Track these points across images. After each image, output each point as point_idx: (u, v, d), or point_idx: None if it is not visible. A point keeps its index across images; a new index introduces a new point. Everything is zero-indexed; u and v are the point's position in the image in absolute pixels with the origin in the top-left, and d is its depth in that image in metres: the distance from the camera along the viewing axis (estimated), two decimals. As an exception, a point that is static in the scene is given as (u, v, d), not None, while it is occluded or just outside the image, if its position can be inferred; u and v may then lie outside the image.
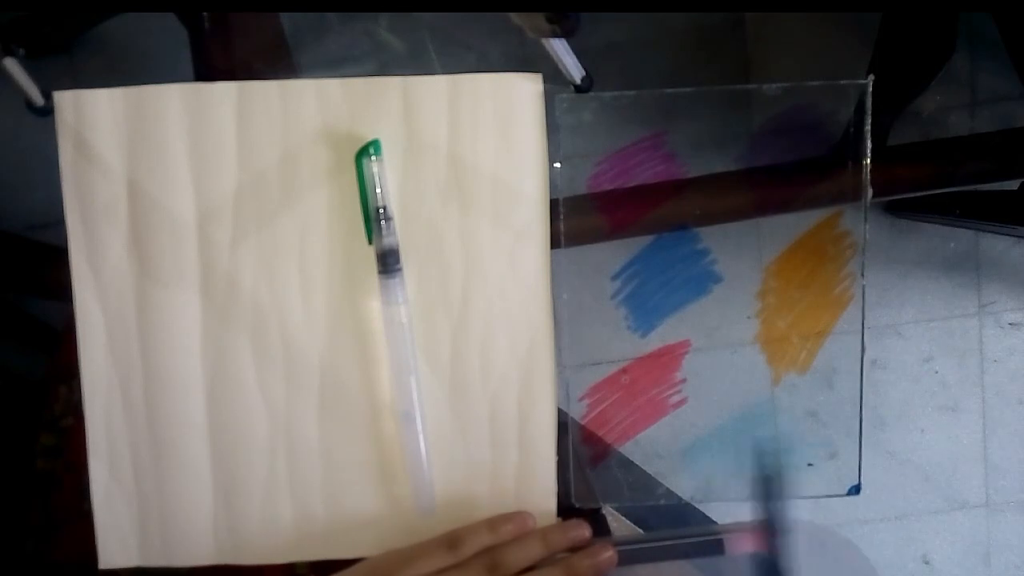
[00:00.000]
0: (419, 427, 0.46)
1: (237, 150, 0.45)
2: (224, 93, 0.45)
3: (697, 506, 0.52)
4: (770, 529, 0.44)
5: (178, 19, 0.53)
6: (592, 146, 0.53)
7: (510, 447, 0.47)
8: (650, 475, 0.52)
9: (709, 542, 0.45)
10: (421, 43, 0.59)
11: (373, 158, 0.44)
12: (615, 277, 0.57)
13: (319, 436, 0.47)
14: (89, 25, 0.53)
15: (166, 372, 0.46)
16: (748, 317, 0.55)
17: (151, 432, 0.47)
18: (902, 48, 0.71)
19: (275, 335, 0.46)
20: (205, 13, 0.50)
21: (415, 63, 0.58)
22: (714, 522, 0.50)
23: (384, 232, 0.44)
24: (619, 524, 0.49)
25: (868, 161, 0.47)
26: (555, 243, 0.47)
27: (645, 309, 0.56)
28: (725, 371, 0.55)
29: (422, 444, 0.46)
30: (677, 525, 0.50)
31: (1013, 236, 1.00)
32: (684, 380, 0.56)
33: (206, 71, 0.50)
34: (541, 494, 0.47)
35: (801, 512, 0.50)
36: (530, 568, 0.43)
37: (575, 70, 0.45)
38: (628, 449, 0.54)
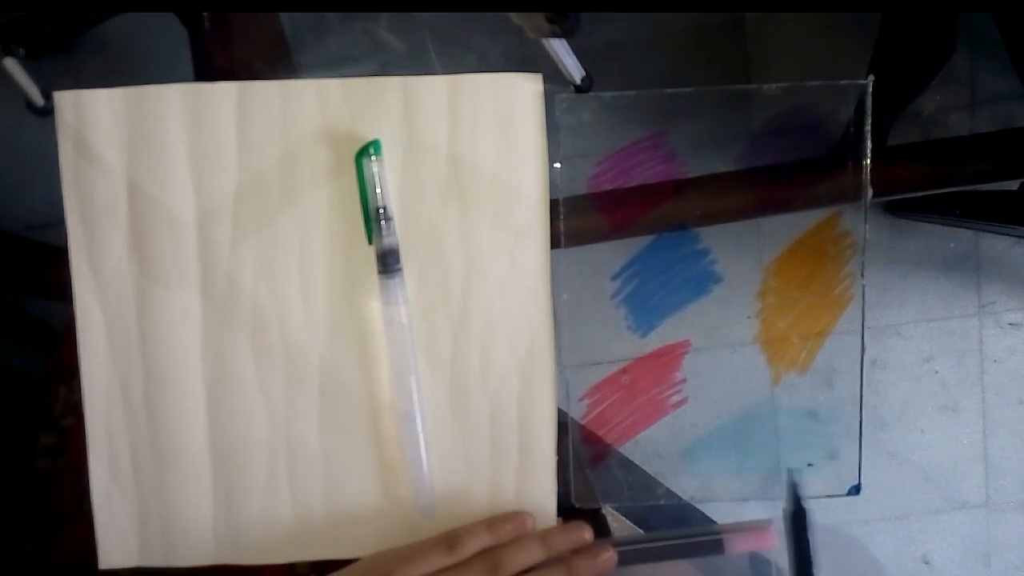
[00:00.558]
0: (419, 427, 0.46)
1: (237, 150, 0.45)
2: (224, 93, 0.45)
3: (697, 506, 0.52)
4: (799, 565, 0.44)
5: (178, 19, 0.53)
6: (592, 146, 0.53)
7: (510, 447, 0.47)
8: (650, 475, 0.52)
9: (709, 542, 0.45)
10: (421, 43, 0.59)
11: (373, 158, 0.44)
12: (615, 277, 0.57)
13: (319, 436, 0.47)
14: (89, 25, 0.53)
15: (166, 372, 0.46)
16: (748, 317, 0.55)
17: (151, 432, 0.47)
18: (902, 48, 0.71)
19: (275, 335, 0.46)
20: (205, 13, 0.50)
21: (415, 63, 0.58)
22: (714, 522, 0.50)
23: (384, 232, 0.44)
24: (619, 524, 0.49)
25: (868, 161, 0.47)
26: (555, 243, 0.47)
27: (645, 309, 0.56)
28: (725, 371, 0.55)
29: (422, 444, 0.46)
30: (677, 525, 0.50)
31: (1013, 236, 1.00)
32: (684, 380, 0.56)
33: (206, 71, 0.50)
34: (541, 494, 0.47)
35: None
36: (530, 569, 0.43)
37: (575, 70, 0.45)
38: (628, 449, 0.54)
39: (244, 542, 0.47)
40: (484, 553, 0.43)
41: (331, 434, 0.47)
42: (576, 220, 0.48)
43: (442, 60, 0.57)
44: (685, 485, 0.52)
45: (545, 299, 0.47)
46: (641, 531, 0.49)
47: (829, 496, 0.49)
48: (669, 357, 0.56)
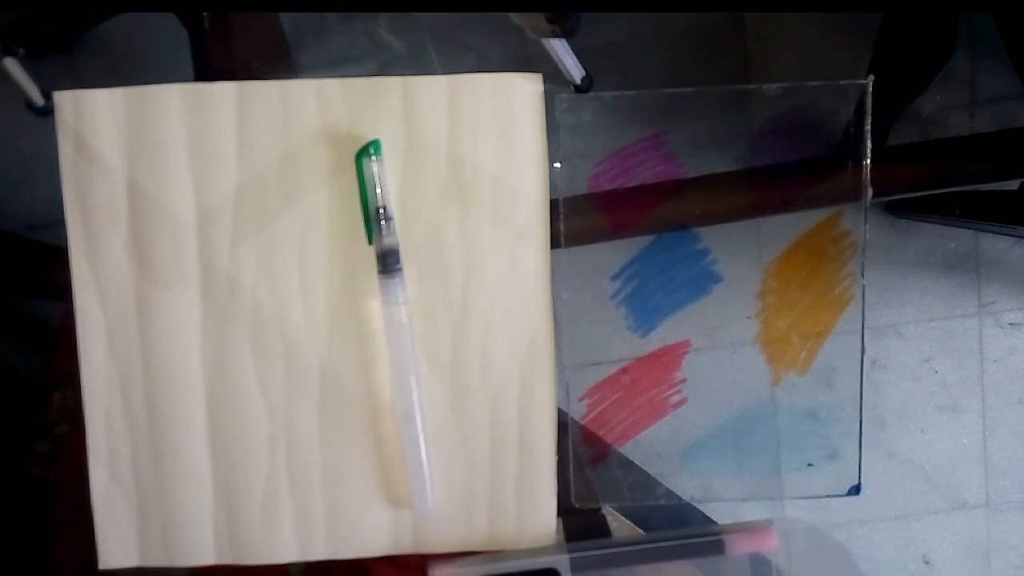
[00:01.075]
0: (419, 427, 0.46)
1: (237, 150, 0.45)
2: (224, 93, 0.45)
3: (697, 506, 0.52)
4: None
5: (178, 19, 0.53)
6: (592, 146, 0.53)
7: (510, 447, 0.47)
8: (650, 475, 0.52)
9: (709, 542, 0.45)
10: (421, 43, 0.59)
11: (373, 158, 0.44)
12: (615, 277, 0.57)
13: (319, 436, 0.47)
14: (89, 25, 0.53)
15: (166, 372, 0.46)
16: (748, 317, 0.55)
17: (151, 432, 0.47)
18: (902, 48, 0.71)
19: (275, 335, 0.46)
20: (205, 13, 0.50)
21: (415, 63, 0.58)
22: (714, 522, 0.50)
23: (384, 232, 0.44)
24: (619, 524, 0.49)
25: (868, 161, 0.47)
26: (555, 243, 0.47)
27: (645, 309, 0.56)
28: (725, 371, 0.55)
29: (422, 444, 0.46)
30: (677, 525, 0.50)
31: (1013, 236, 1.00)
32: (684, 380, 0.56)
33: (206, 71, 0.50)
34: (541, 494, 0.47)
35: (800, 512, 0.50)
36: None
37: (575, 70, 0.45)
38: (628, 449, 0.54)
39: (244, 543, 0.47)
40: None
41: (331, 434, 0.47)
42: (576, 220, 0.48)
43: (442, 60, 0.57)
44: (685, 485, 0.53)
45: (545, 299, 0.47)
46: (641, 531, 0.49)
47: (829, 496, 0.49)
48: (669, 357, 0.56)
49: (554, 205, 0.47)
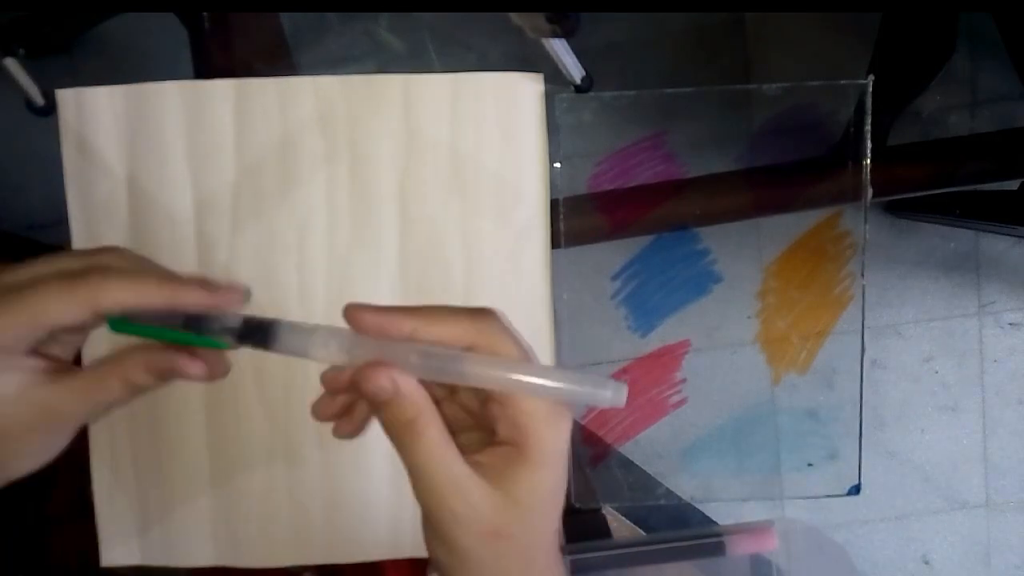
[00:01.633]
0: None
1: (235, 147, 0.45)
2: (222, 90, 0.45)
3: (697, 506, 0.52)
4: None
5: (178, 19, 0.53)
6: (592, 146, 0.53)
7: (510, 447, 0.47)
8: (650, 475, 0.52)
9: (710, 544, 0.45)
10: (421, 43, 0.59)
11: None
12: (615, 277, 0.57)
13: (317, 435, 0.47)
14: (89, 25, 0.53)
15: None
16: (748, 317, 0.55)
17: (152, 432, 0.46)
18: (902, 48, 0.71)
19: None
20: (205, 13, 0.50)
21: (415, 63, 0.58)
22: (714, 523, 0.50)
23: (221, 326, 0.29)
24: (619, 524, 0.49)
25: (868, 161, 0.47)
26: (555, 243, 0.47)
27: (645, 309, 0.56)
28: (725, 371, 0.55)
29: None
30: (677, 525, 0.50)
31: (1013, 236, 1.00)
32: (684, 380, 0.56)
33: (206, 71, 0.50)
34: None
35: (800, 513, 0.50)
36: None
37: (575, 70, 0.45)
38: (628, 449, 0.54)
39: (243, 544, 0.47)
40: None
41: (328, 434, 0.47)
42: (576, 220, 0.48)
43: (442, 60, 0.57)
44: (685, 485, 0.52)
45: (545, 298, 0.47)
46: (641, 531, 0.49)
47: (829, 496, 0.49)
48: (669, 357, 0.56)
49: (554, 205, 0.47)
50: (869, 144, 0.47)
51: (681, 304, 0.56)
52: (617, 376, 0.55)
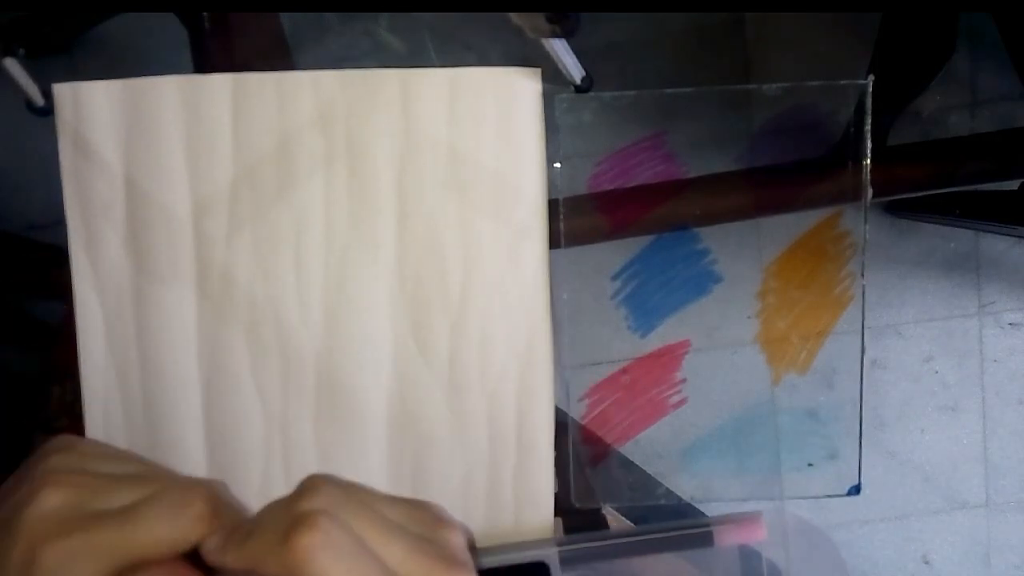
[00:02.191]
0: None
1: (233, 143, 0.45)
2: (220, 85, 0.45)
3: (697, 506, 0.52)
4: None
5: (178, 19, 0.53)
6: (592, 146, 0.53)
7: (508, 445, 0.47)
8: (650, 475, 0.52)
9: (698, 534, 0.45)
10: (421, 43, 0.59)
11: None
12: (615, 277, 0.57)
13: (314, 433, 0.47)
14: (89, 25, 0.53)
15: (163, 367, 0.46)
16: (748, 317, 0.55)
17: (149, 428, 0.46)
18: (902, 48, 0.71)
19: (270, 331, 0.46)
20: (205, 13, 0.50)
21: (415, 63, 0.58)
22: (704, 514, 0.50)
23: None
24: (619, 524, 0.49)
25: (868, 161, 0.47)
26: (555, 243, 0.47)
27: (645, 309, 0.56)
28: (725, 371, 0.55)
29: None
30: (670, 520, 0.50)
31: (1013, 236, 1.00)
32: (684, 380, 0.56)
33: (206, 71, 0.49)
34: (538, 492, 0.47)
35: (800, 512, 0.50)
36: None
37: (575, 70, 0.45)
38: (628, 449, 0.54)
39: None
40: None
41: (326, 431, 0.47)
42: (576, 220, 0.48)
43: (442, 60, 0.57)
44: (685, 485, 0.52)
45: (544, 297, 0.47)
46: (632, 525, 0.49)
47: (829, 496, 0.49)
48: (669, 357, 0.56)
49: (554, 205, 0.47)
50: (869, 144, 0.47)
51: (681, 304, 0.56)
52: (617, 376, 0.55)
